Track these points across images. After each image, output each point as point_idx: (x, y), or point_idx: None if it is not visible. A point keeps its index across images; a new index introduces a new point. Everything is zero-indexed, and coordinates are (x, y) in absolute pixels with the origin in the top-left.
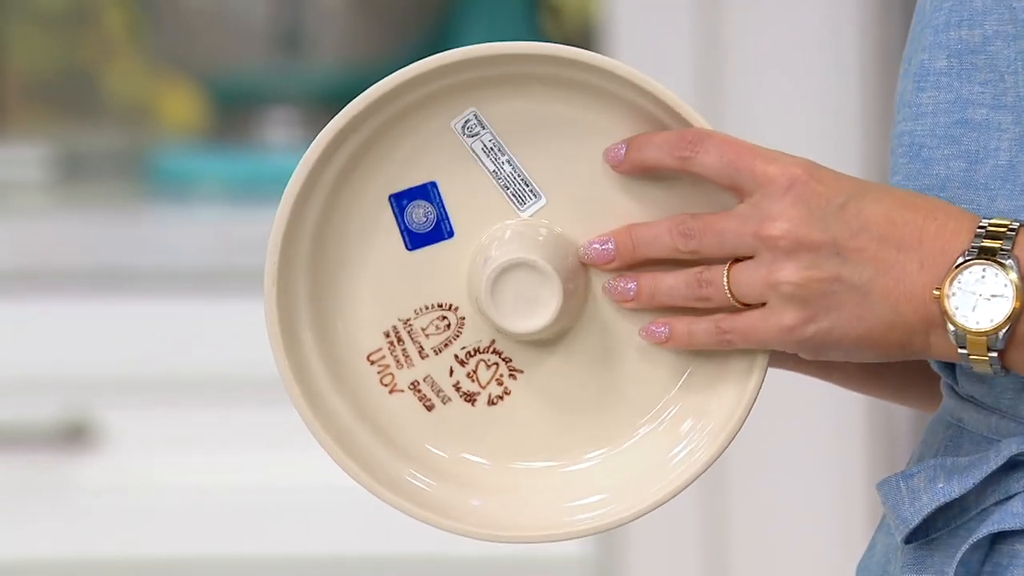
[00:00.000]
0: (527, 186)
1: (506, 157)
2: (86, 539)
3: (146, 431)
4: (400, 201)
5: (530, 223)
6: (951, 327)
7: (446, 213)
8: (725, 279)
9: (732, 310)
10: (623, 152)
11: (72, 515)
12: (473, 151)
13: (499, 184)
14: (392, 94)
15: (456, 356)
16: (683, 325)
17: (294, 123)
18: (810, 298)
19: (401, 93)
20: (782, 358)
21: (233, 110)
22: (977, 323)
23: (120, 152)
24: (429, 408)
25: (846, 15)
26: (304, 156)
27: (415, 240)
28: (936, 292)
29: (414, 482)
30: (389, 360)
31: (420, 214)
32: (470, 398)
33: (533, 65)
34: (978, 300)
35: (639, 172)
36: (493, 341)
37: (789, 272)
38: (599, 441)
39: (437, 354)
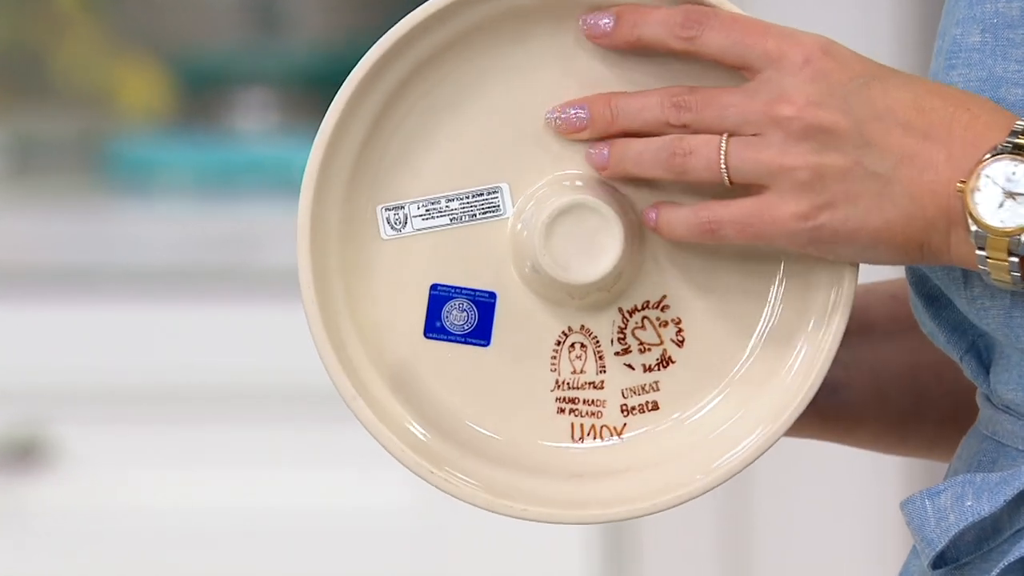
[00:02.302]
0: (482, 195)
1: (442, 202)
2: (36, 569)
3: (105, 449)
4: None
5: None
6: (972, 225)
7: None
8: (722, 152)
9: (716, 195)
10: (610, 24)
11: (21, 541)
12: (421, 230)
13: (465, 223)
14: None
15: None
16: (665, 212)
17: (269, 107)
18: (825, 185)
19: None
20: (803, 424)
21: (202, 92)
22: (1001, 221)
23: (75, 140)
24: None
25: None
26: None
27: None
28: (960, 185)
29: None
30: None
31: (459, 316)
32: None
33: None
34: (1004, 198)
35: (628, 48)
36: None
37: (803, 156)
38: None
39: None
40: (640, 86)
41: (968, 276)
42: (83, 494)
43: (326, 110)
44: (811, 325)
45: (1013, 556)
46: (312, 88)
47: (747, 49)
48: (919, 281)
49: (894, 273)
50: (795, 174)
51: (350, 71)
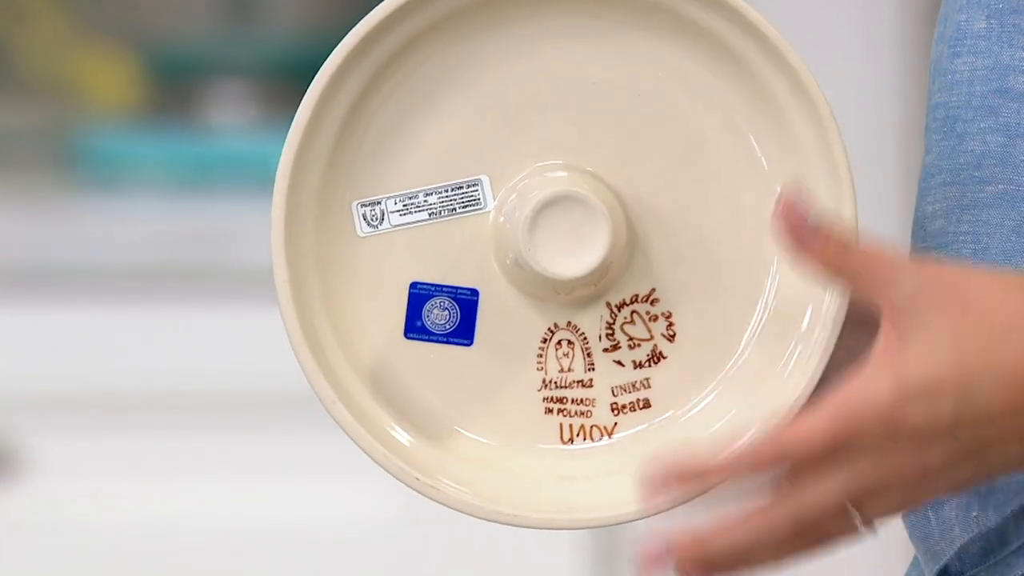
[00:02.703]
0: (461, 188)
1: (420, 196)
2: None
3: (75, 458)
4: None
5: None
6: None
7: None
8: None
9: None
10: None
11: None
12: (399, 226)
13: (444, 218)
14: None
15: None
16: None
17: (245, 99)
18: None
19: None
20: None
21: (174, 84)
22: None
23: (40, 134)
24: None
25: None
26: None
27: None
28: None
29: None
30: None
31: (440, 315)
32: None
33: None
34: None
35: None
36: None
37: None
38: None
39: None
40: (617, 69)
41: None
42: (52, 506)
43: (300, 102)
44: (806, 321)
45: (1021, 568)
46: (289, 80)
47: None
48: None
49: None
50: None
51: (322, 63)
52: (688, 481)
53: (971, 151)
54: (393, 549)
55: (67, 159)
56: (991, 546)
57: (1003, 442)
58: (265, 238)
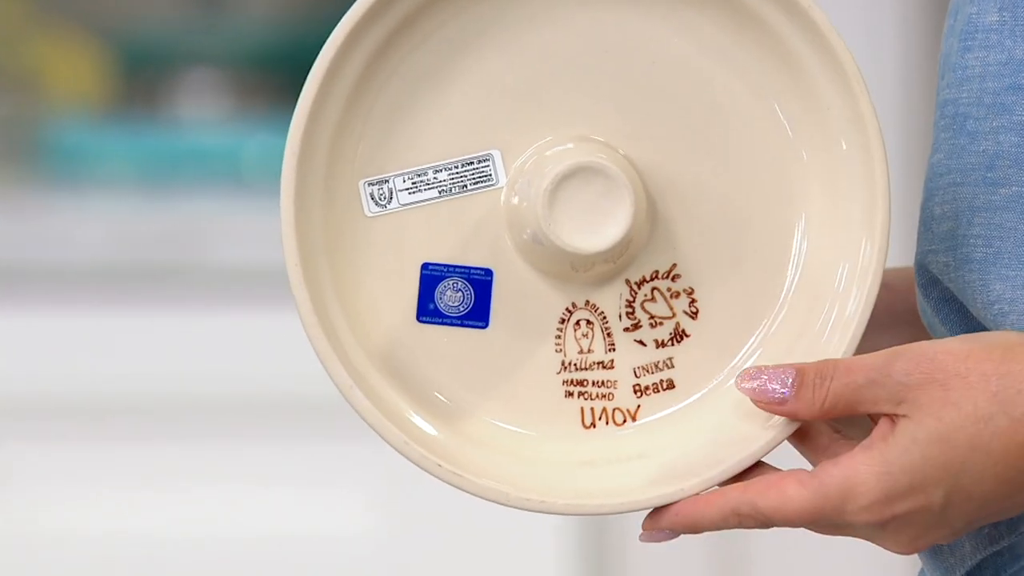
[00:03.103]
0: (472, 164)
1: (429, 173)
2: None
3: (36, 467)
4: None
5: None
6: None
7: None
8: None
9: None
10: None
11: None
12: (408, 205)
13: (455, 195)
14: None
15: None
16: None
17: (217, 90)
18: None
19: None
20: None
21: (142, 74)
22: None
23: (2, 127)
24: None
25: None
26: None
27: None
28: None
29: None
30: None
31: (453, 296)
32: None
33: None
34: None
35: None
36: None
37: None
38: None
39: None
40: (638, 35)
41: (986, 279)
42: (19, 517)
43: (279, 93)
44: (841, 282)
45: None
46: (263, 70)
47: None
48: (929, 284)
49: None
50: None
51: (306, 50)
52: (683, 532)
53: (983, 151)
54: (368, 565)
55: (30, 154)
56: (1003, 561)
57: (1000, 515)
58: (239, 235)
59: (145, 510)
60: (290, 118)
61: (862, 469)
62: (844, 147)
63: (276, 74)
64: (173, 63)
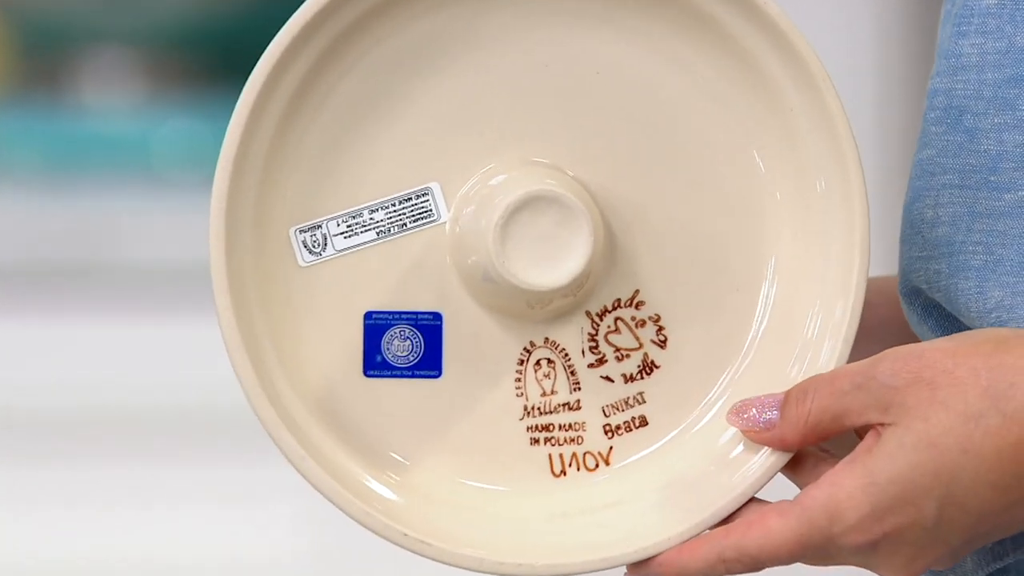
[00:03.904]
0: (409, 200)
1: (364, 214)
2: None
3: None
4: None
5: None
6: None
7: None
8: None
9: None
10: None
11: None
12: (344, 251)
13: (395, 235)
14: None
15: None
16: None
17: (128, 72)
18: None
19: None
20: None
21: (44, 55)
22: None
23: None
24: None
25: None
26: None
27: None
28: None
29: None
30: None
31: (401, 346)
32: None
33: None
34: None
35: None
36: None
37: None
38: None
39: None
40: (580, 45)
41: (984, 286)
42: None
43: (196, 76)
44: (818, 302)
45: None
46: (178, 49)
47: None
48: (913, 294)
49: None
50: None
51: (225, 27)
52: None
53: (984, 151)
54: None
55: None
56: None
57: (999, 532)
58: (152, 233)
59: (47, 534)
60: (208, 102)
61: (846, 484)
62: (822, 171)
63: (192, 54)
64: (78, 41)
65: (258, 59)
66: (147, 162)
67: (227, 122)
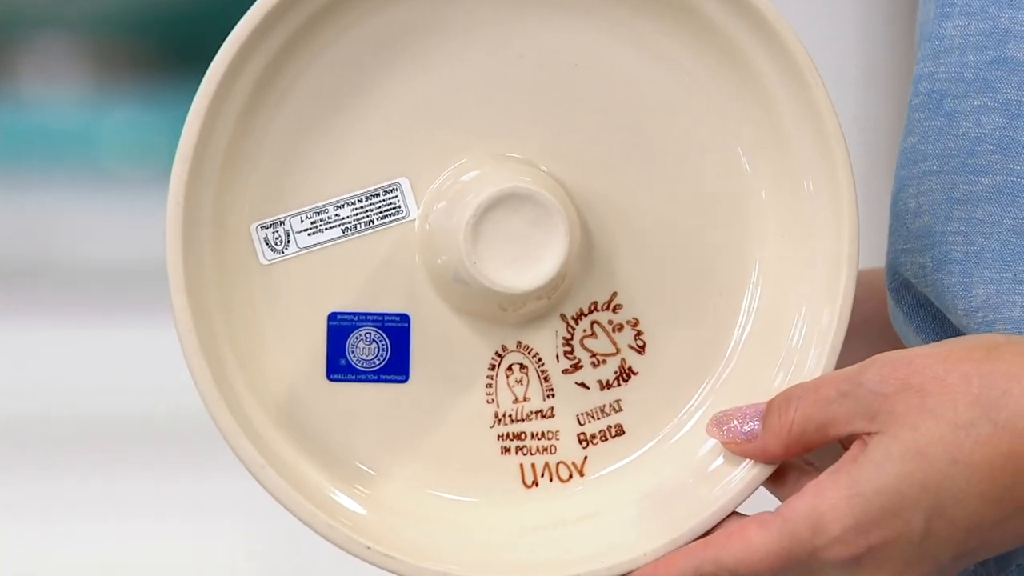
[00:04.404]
0: (377, 196)
1: (329, 210)
2: None
3: None
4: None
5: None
6: None
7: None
8: None
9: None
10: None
11: None
12: (308, 248)
13: (361, 233)
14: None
15: None
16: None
17: (70, 60)
18: None
19: None
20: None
21: None
22: None
23: None
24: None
25: None
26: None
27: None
28: None
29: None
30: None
31: (367, 349)
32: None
33: None
34: None
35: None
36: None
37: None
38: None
39: None
40: (555, 37)
41: (968, 282)
42: None
43: (144, 63)
44: (807, 301)
45: None
46: (125, 35)
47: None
48: (901, 288)
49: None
50: None
51: (175, 11)
52: None
53: (963, 134)
54: None
55: None
56: None
57: (991, 548)
58: (97, 231)
59: None
60: (158, 92)
61: (829, 495)
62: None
63: (140, 41)
64: (18, 27)
65: (210, 46)
66: (93, 156)
67: (179, 113)
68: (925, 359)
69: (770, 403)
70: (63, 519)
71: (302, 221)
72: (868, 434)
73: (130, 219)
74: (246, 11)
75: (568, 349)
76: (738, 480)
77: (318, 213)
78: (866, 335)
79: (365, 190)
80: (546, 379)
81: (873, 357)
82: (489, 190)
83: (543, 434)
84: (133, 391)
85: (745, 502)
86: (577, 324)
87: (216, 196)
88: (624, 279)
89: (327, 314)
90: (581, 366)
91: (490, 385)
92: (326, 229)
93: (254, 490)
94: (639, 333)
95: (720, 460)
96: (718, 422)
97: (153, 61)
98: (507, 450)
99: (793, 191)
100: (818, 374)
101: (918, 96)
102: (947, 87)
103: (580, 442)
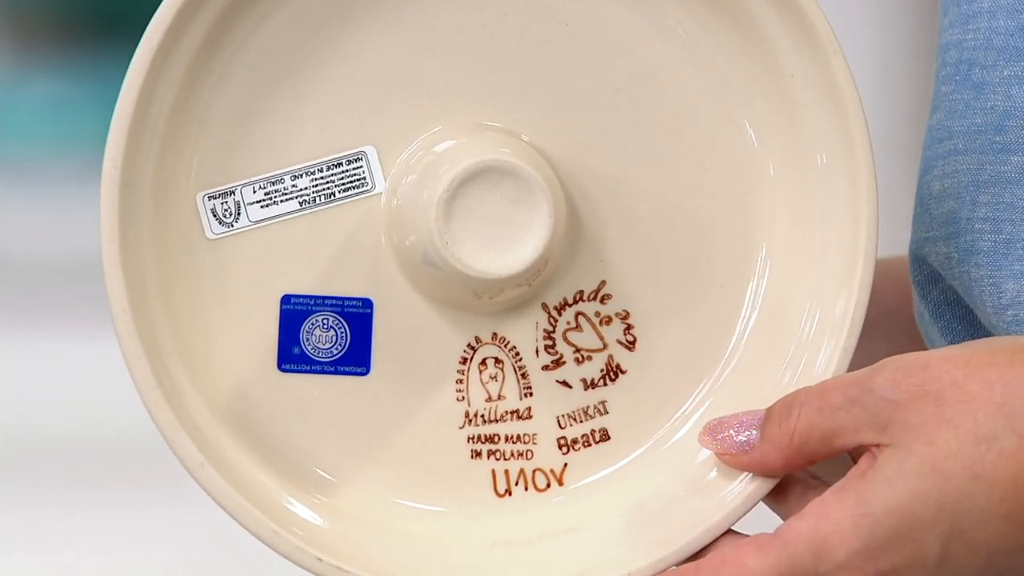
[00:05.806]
0: (340, 166)
1: (286, 180)
2: None
3: None
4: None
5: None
6: None
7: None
8: None
9: None
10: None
11: None
12: (261, 222)
13: (321, 206)
14: None
15: None
16: None
17: None
18: None
19: None
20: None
21: None
22: None
23: None
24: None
25: None
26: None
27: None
28: None
29: None
30: None
31: (324, 336)
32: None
33: None
34: None
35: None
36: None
37: None
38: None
39: None
40: (546, 6)
41: (997, 275)
42: None
43: (66, 33)
44: (816, 299)
45: None
46: (47, 15)
47: None
48: (928, 281)
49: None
50: None
51: None
52: None
53: (991, 107)
54: None
55: None
56: None
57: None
58: (12, 222)
59: None
60: (80, 64)
61: (834, 515)
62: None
63: (61, 9)
64: None
65: (143, 10)
66: (9, 141)
67: (105, 86)
68: (943, 363)
69: (769, 410)
70: None
71: (255, 191)
72: (878, 446)
73: (52, 207)
74: None
75: (549, 343)
76: (735, 494)
77: (272, 183)
78: (889, 331)
79: (326, 159)
80: (524, 376)
81: (886, 360)
82: (465, 162)
83: (519, 437)
84: (55, 404)
85: (743, 519)
86: (560, 315)
87: (159, 161)
88: (614, 266)
89: (280, 296)
90: (563, 362)
91: (461, 381)
92: (281, 201)
93: (188, 515)
94: (629, 327)
95: (716, 471)
96: (711, 430)
97: (72, 32)
98: (478, 454)
99: (805, 168)
100: (831, 374)
101: (945, 67)
102: (975, 56)
103: (560, 447)
